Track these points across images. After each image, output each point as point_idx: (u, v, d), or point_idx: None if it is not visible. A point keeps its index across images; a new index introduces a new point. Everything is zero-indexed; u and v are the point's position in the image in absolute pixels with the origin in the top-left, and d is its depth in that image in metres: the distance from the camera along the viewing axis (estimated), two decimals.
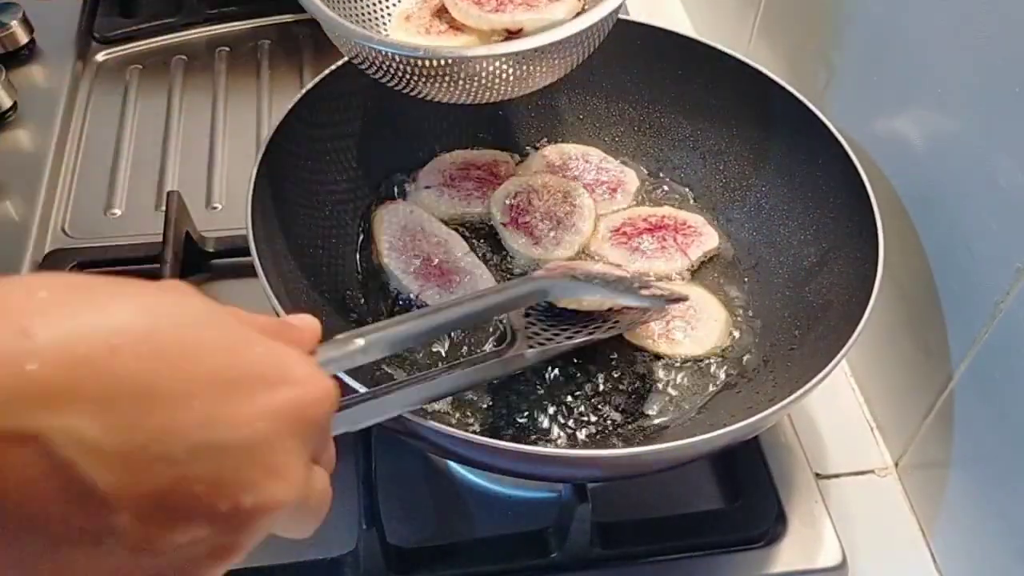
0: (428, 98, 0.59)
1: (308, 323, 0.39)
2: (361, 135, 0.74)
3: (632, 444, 0.62)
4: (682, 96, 0.76)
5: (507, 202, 0.74)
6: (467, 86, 0.57)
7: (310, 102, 0.68)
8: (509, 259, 0.73)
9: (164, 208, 0.76)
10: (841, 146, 0.64)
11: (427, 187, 0.76)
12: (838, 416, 0.72)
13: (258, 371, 0.31)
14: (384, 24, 0.67)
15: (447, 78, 0.56)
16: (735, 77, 0.71)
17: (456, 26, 0.64)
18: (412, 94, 0.59)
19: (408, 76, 0.56)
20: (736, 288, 0.71)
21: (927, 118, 0.62)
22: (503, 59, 0.55)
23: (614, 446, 0.62)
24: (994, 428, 0.57)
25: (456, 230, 0.74)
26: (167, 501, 0.27)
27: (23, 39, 0.98)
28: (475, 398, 0.64)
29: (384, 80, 0.58)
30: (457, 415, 0.63)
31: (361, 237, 0.73)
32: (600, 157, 0.79)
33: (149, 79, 0.99)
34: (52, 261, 0.79)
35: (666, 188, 0.78)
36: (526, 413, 0.64)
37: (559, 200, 0.75)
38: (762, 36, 0.86)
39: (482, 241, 0.74)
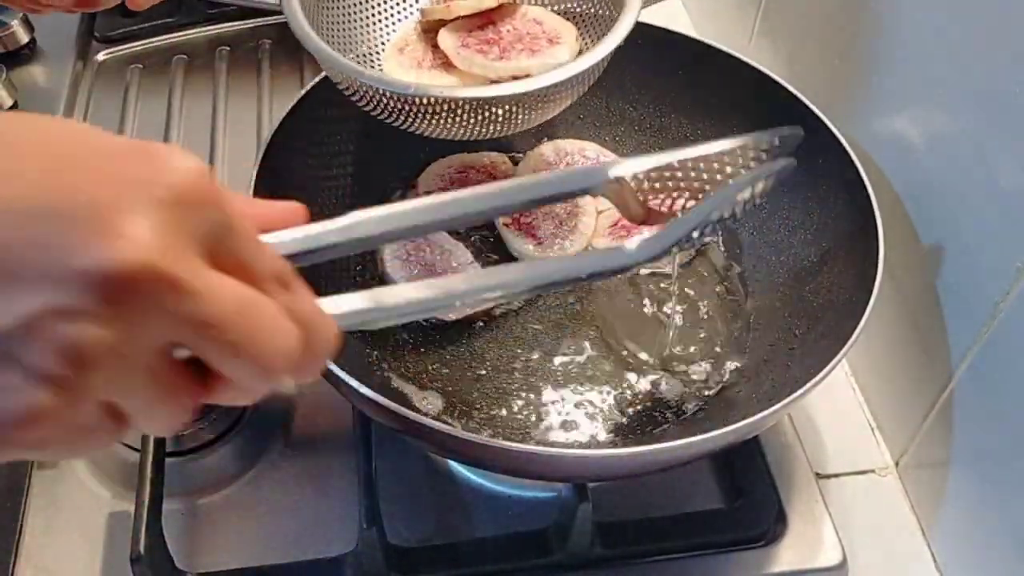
0: (418, 133, 0.59)
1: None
2: (362, 135, 0.74)
3: (633, 444, 0.62)
4: (682, 96, 0.76)
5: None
6: (456, 124, 0.57)
7: (310, 102, 0.68)
8: (513, 261, 0.73)
9: None
10: (841, 146, 0.64)
11: (426, 192, 0.75)
12: (838, 416, 0.72)
13: (107, 148, 0.28)
14: (378, 54, 0.67)
15: (436, 115, 0.56)
16: (735, 77, 0.71)
17: (449, 61, 0.64)
18: (402, 128, 0.59)
19: (398, 111, 0.57)
20: (736, 288, 0.71)
21: (927, 118, 0.62)
22: (495, 101, 0.55)
23: (616, 446, 0.62)
24: (994, 428, 0.57)
25: (458, 232, 0.74)
26: None
27: (24, 39, 0.98)
28: (477, 398, 0.64)
29: (375, 113, 0.58)
30: (457, 414, 0.63)
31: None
32: (597, 152, 0.79)
33: (149, 79, 0.99)
34: None
35: None
36: (526, 413, 0.64)
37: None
38: (762, 36, 0.86)
39: (484, 244, 0.74)
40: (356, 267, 0.72)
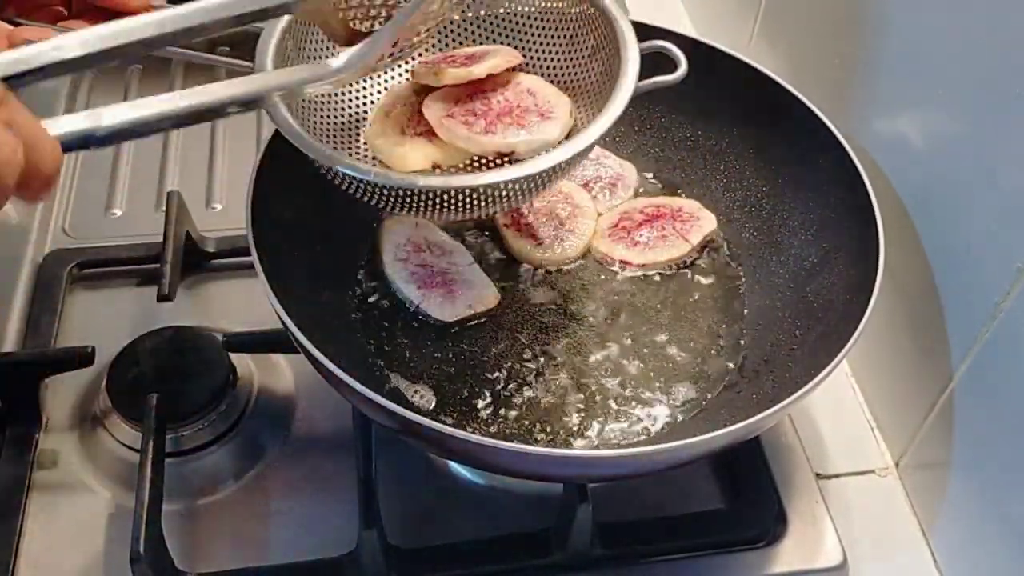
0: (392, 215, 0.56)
1: None
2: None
3: (633, 444, 0.62)
4: (682, 96, 0.76)
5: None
6: (425, 209, 0.53)
7: None
8: (514, 262, 0.73)
9: (164, 208, 0.76)
10: (841, 146, 0.64)
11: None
12: (838, 416, 0.72)
13: None
14: (365, 116, 0.63)
15: (401, 201, 0.52)
16: (735, 77, 0.71)
17: (433, 130, 0.59)
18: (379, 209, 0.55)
19: (365, 194, 0.53)
20: (736, 288, 0.71)
21: (927, 118, 0.62)
22: (467, 190, 0.51)
23: (616, 446, 0.62)
24: (994, 428, 0.57)
25: (458, 232, 0.74)
26: None
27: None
28: (476, 398, 0.64)
29: (351, 194, 0.55)
30: (456, 415, 0.63)
31: (363, 238, 0.73)
32: (598, 152, 0.79)
33: (149, 79, 0.99)
34: (52, 261, 0.79)
35: (666, 190, 0.78)
36: (526, 413, 0.64)
37: (560, 200, 0.75)
38: (762, 36, 0.86)
39: (485, 244, 0.74)
40: (361, 261, 0.72)
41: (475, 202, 0.52)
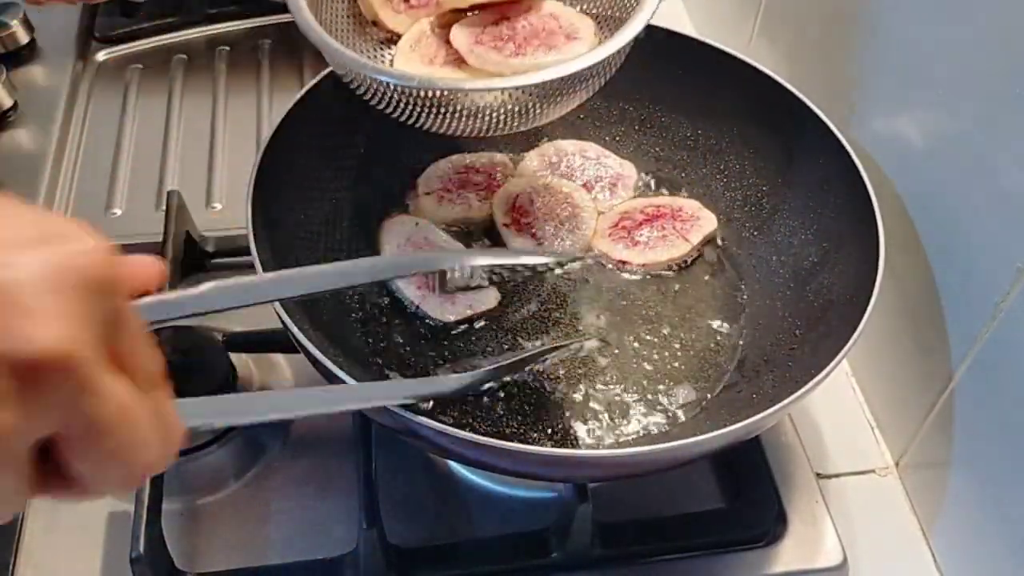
0: (427, 129, 0.58)
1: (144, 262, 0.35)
2: (362, 135, 0.74)
3: (633, 444, 0.62)
4: (682, 96, 0.76)
5: (508, 204, 0.74)
6: (464, 119, 0.55)
7: (310, 102, 0.68)
8: None
9: (164, 208, 0.76)
10: (841, 146, 0.64)
11: (426, 193, 0.75)
12: (838, 416, 0.72)
13: (18, 225, 0.28)
14: (390, 50, 0.65)
15: (444, 110, 0.55)
16: (735, 77, 0.71)
17: (462, 58, 0.62)
18: (413, 125, 0.58)
19: (404, 107, 0.55)
20: (736, 288, 0.71)
21: (927, 118, 0.62)
22: (506, 92, 0.53)
23: (616, 446, 0.62)
24: (994, 428, 0.57)
25: (459, 231, 0.74)
26: None
27: (23, 39, 0.98)
28: (476, 399, 0.64)
29: (382, 109, 0.57)
30: (456, 414, 0.63)
31: (363, 238, 0.73)
32: (598, 152, 0.79)
33: (149, 79, 0.99)
34: None
35: (666, 190, 0.78)
36: (527, 412, 0.63)
37: (560, 201, 0.75)
38: (762, 36, 0.86)
39: (486, 244, 0.74)
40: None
41: (519, 109, 0.54)
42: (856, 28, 0.69)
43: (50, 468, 0.29)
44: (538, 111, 0.57)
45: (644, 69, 0.76)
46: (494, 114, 0.56)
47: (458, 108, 0.55)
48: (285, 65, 0.99)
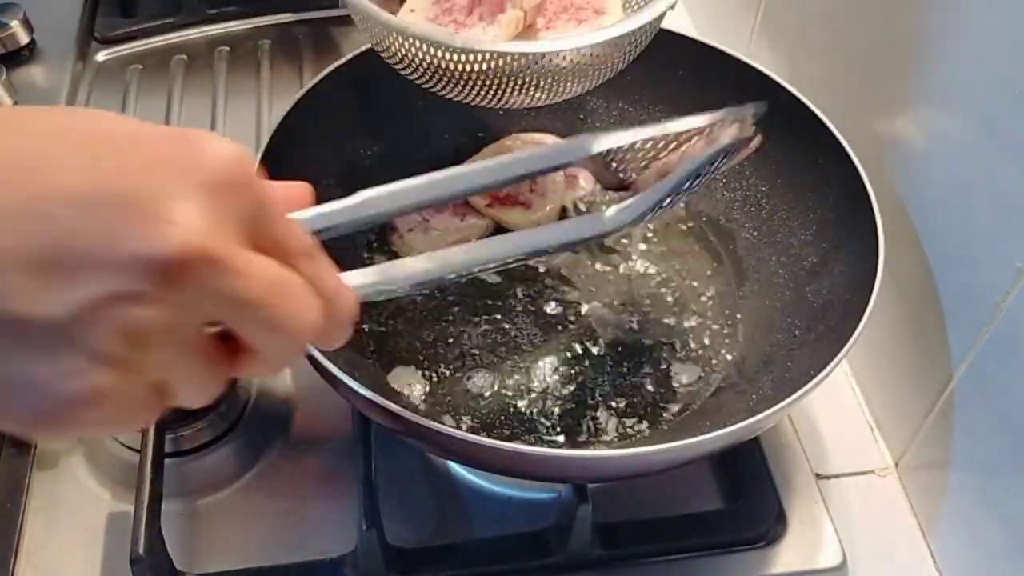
0: (454, 98, 0.57)
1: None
2: (363, 135, 0.74)
3: (633, 444, 0.62)
4: (682, 96, 0.76)
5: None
6: (499, 87, 0.55)
7: (310, 102, 0.68)
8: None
9: None
10: (841, 146, 0.64)
11: (409, 231, 0.73)
12: (838, 416, 0.72)
13: (149, 135, 0.30)
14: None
15: (480, 77, 0.54)
16: (735, 77, 0.71)
17: (462, 23, 0.61)
18: (438, 92, 0.57)
19: (440, 74, 0.55)
20: (736, 288, 0.71)
21: (927, 118, 0.62)
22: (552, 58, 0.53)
23: (616, 446, 0.62)
24: (994, 428, 0.57)
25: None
26: (52, 256, 0.27)
27: (23, 39, 0.98)
28: (475, 398, 0.64)
29: (408, 74, 0.57)
30: (457, 414, 0.63)
31: (363, 237, 0.73)
32: (554, 142, 0.78)
33: (149, 79, 0.99)
34: None
35: None
36: (526, 412, 0.64)
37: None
38: (762, 36, 0.86)
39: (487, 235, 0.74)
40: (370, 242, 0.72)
41: (556, 76, 0.54)
42: (856, 29, 0.69)
43: (234, 346, 0.32)
44: (572, 83, 0.57)
45: (644, 69, 0.77)
46: (530, 81, 0.55)
47: (497, 74, 0.54)
48: (285, 65, 0.99)
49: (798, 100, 0.68)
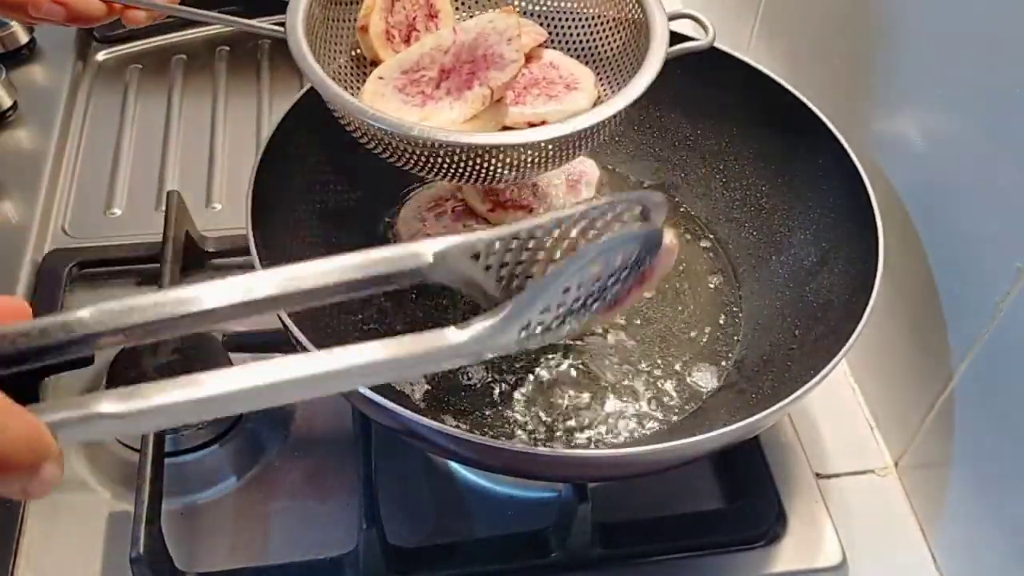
0: (419, 174, 0.57)
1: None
2: None
3: (633, 444, 0.62)
4: (682, 96, 0.76)
5: (479, 194, 0.72)
6: (460, 170, 0.54)
7: (310, 102, 0.68)
8: None
9: (164, 208, 0.76)
10: (841, 146, 0.64)
11: (411, 238, 0.72)
12: (838, 416, 0.72)
13: None
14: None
15: (439, 160, 0.54)
16: (735, 77, 0.71)
17: (429, 95, 0.59)
18: (402, 168, 0.57)
19: (395, 151, 0.55)
20: (736, 288, 0.71)
21: (927, 118, 0.62)
22: (509, 149, 0.53)
23: (615, 446, 0.62)
24: (994, 428, 0.57)
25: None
26: None
27: (23, 39, 0.98)
28: (476, 399, 0.64)
29: (371, 149, 0.56)
30: (456, 414, 0.63)
31: (363, 238, 0.73)
32: (592, 164, 0.78)
33: (149, 79, 0.99)
34: (52, 261, 0.79)
35: (664, 189, 0.78)
36: (526, 412, 0.64)
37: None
38: (762, 36, 0.86)
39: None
40: None
41: (515, 162, 0.53)
42: (856, 28, 0.69)
43: None
44: (532, 167, 0.56)
45: None
46: (490, 166, 0.54)
47: (456, 158, 0.54)
48: (285, 65, 0.99)
49: (798, 100, 0.68)
